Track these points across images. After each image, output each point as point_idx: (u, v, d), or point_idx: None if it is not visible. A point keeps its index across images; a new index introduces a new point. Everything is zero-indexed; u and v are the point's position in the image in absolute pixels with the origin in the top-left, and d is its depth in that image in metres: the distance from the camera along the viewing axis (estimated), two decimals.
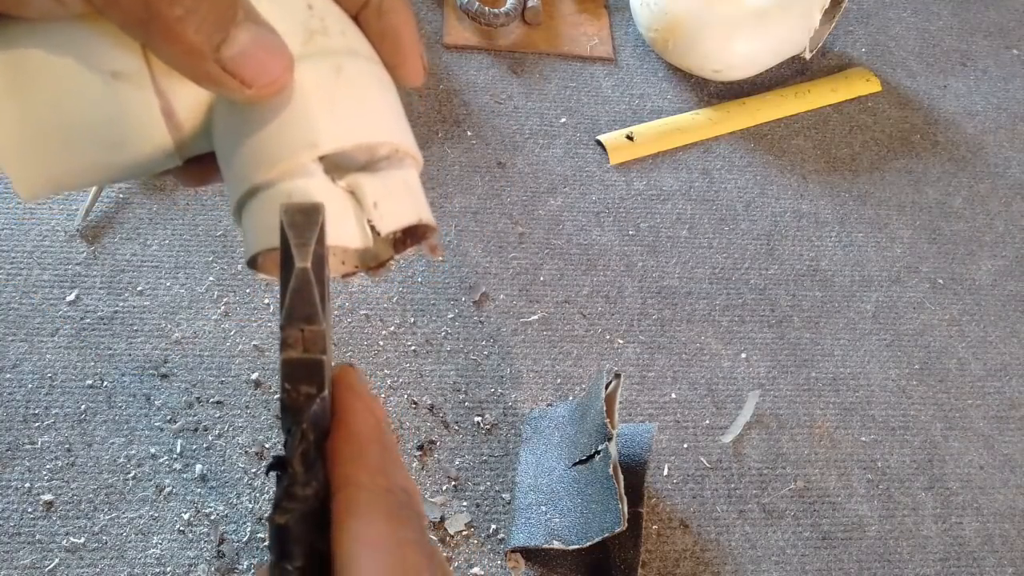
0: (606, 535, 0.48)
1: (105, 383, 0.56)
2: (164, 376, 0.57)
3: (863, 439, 0.63)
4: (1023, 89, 0.87)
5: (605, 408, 0.51)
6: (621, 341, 0.64)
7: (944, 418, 0.65)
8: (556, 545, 0.50)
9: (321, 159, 0.23)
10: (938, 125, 0.83)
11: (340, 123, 0.23)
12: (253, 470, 0.54)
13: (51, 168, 0.24)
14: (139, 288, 0.60)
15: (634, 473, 0.53)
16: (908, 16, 0.92)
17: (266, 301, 0.61)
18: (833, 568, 0.57)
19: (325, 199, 0.23)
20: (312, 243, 0.21)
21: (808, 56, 0.80)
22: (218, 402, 0.56)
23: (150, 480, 0.53)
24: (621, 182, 0.73)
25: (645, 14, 0.78)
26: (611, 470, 0.49)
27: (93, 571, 0.50)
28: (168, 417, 0.55)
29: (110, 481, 0.53)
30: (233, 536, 0.52)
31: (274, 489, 0.22)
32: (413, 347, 0.61)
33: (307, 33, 0.24)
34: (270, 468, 0.22)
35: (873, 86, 0.84)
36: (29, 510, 0.51)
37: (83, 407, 0.55)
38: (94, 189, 0.62)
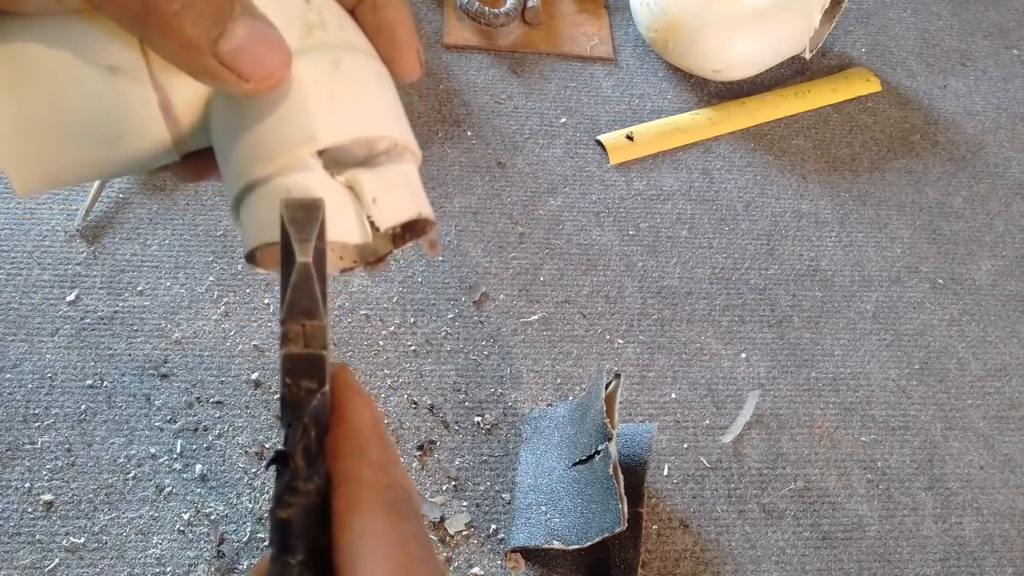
0: (606, 535, 0.48)
1: (105, 383, 0.56)
2: (164, 376, 0.57)
3: (863, 439, 0.63)
4: (1023, 89, 0.87)
5: (605, 408, 0.51)
6: (621, 341, 0.64)
7: (944, 418, 0.65)
8: (556, 545, 0.50)
9: (320, 154, 0.23)
10: (938, 125, 0.83)
11: (338, 117, 0.23)
12: (253, 470, 0.54)
13: (48, 163, 0.24)
14: (139, 288, 0.60)
15: (634, 473, 0.53)
16: (908, 16, 0.92)
17: (266, 301, 0.61)
18: (833, 568, 0.57)
19: (324, 194, 0.23)
20: (313, 238, 0.21)
21: (808, 56, 0.80)
22: (218, 402, 0.56)
23: (150, 480, 0.53)
24: (621, 182, 0.73)
25: (645, 14, 0.78)
26: (611, 470, 0.49)
27: (93, 571, 0.50)
28: (168, 417, 0.55)
29: (110, 481, 0.53)
30: (233, 536, 0.52)
31: (274, 485, 0.22)
32: (413, 347, 0.61)
33: (305, 27, 0.24)
34: (271, 463, 0.22)
35: (873, 86, 0.84)
36: (29, 510, 0.51)
37: (83, 407, 0.55)
38: (94, 189, 0.62)
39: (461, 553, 0.54)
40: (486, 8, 0.78)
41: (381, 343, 0.61)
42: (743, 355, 0.65)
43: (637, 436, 0.54)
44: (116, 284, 0.60)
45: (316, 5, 0.24)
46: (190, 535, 0.52)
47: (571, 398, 0.60)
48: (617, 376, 0.53)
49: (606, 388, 0.52)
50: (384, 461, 0.22)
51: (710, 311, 0.67)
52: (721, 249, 0.70)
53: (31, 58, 0.22)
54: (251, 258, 0.24)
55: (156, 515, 0.52)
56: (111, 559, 0.50)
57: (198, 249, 0.62)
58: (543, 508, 0.53)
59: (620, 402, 0.57)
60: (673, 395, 0.62)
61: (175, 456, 0.54)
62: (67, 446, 0.53)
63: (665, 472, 0.59)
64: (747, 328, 0.66)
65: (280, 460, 0.21)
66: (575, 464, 0.53)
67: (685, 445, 0.60)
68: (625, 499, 0.49)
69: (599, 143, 0.74)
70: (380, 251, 0.27)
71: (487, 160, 0.71)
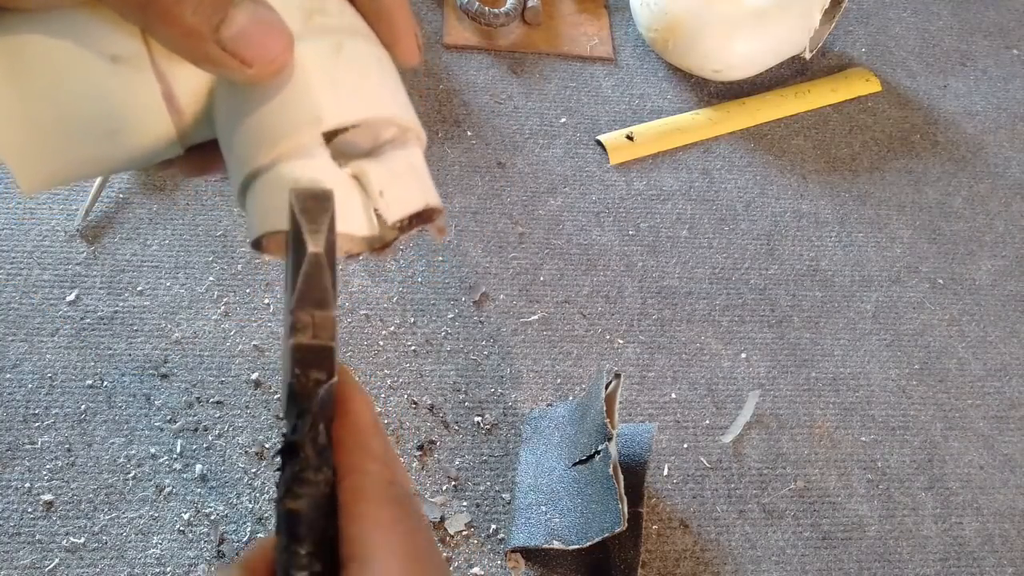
0: (606, 535, 0.48)
1: (105, 383, 0.56)
2: (164, 376, 0.57)
3: (863, 439, 0.63)
4: (1023, 89, 0.87)
5: (605, 408, 0.51)
6: (621, 341, 0.64)
7: (944, 418, 0.65)
8: (556, 545, 0.50)
9: (327, 145, 0.23)
10: (938, 125, 0.83)
11: (343, 99, 0.23)
12: (253, 470, 0.54)
13: (53, 158, 0.24)
14: (139, 288, 0.60)
15: (634, 473, 0.53)
16: (908, 16, 0.92)
17: (266, 301, 0.61)
18: (833, 568, 0.57)
19: (332, 182, 0.23)
20: (325, 229, 0.21)
21: (808, 56, 0.80)
22: (218, 402, 0.56)
23: (150, 480, 0.53)
24: (621, 182, 0.73)
25: (645, 14, 0.78)
26: (611, 470, 0.49)
27: (93, 571, 0.50)
28: (168, 417, 0.55)
29: (110, 481, 0.53)
30: (233, 536, 0.52)
31: (279, 475, 0.22)
32: (413, 347, 0.61)
33: (306, 12, 0.24)
34: (279, 453, 0.22)
35: (873, 86, 0.84)
36: (29, 510, 0.51)
37: (83, 407, 0.55)
38: (94, 189, 0.62)
39: (461, 553, 0.54)
40: (486, 8, 0.78)
41: (381, 343, 0.61)
42: (743, 355, 0.65)
43: (637, 436, 0.54)
44: (116, 284, 0.60)
45: None
46: (190, 535, 0.52)
47: (571, 398, 0.60)
48: (617, 376, 0.53)
49: (606, 388, 0.52)
50: (386, 456, 0.23)
51: (710, 311, 0.67)
52: (721, 249, 0.70)
53: (33, 51, 0.22)
54: (257, 245, 0.24)
55: (156, 515, 0.52)
56: (111, 559, 0.50)
57: (198, 249, 0.62)
58: (543, 508, 0.53)
59: (620, 402, 0.57)
60: (673, 395, 0.62)
61: (175, 456, 0.54)
62: (67, 446, 0.53)
63: (665, 472, 0.59)
64: (747, 328, 0.66)
65: (290, 450, 0.21)
66: (575, 464, 0.53)
67: (685, 445, 0.60)
68: (625, 499, 0.49)
69: (599, 143, 0.74)
70: (386, 237, 0.27)
71: (487, 160, 0.71)
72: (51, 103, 0.23)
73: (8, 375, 0.55)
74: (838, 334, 0.67)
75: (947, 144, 0.81)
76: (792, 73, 0.84)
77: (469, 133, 0.73)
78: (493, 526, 0.55)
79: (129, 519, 0.52)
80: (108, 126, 0.23)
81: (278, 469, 0.22)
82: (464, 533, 0.54)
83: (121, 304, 0.59)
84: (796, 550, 0.57)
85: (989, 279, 0.73)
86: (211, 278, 0.61)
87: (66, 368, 0.56)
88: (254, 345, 0.59)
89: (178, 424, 0.55)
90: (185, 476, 0.53)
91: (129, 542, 0.51)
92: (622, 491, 0.49)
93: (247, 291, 0.61)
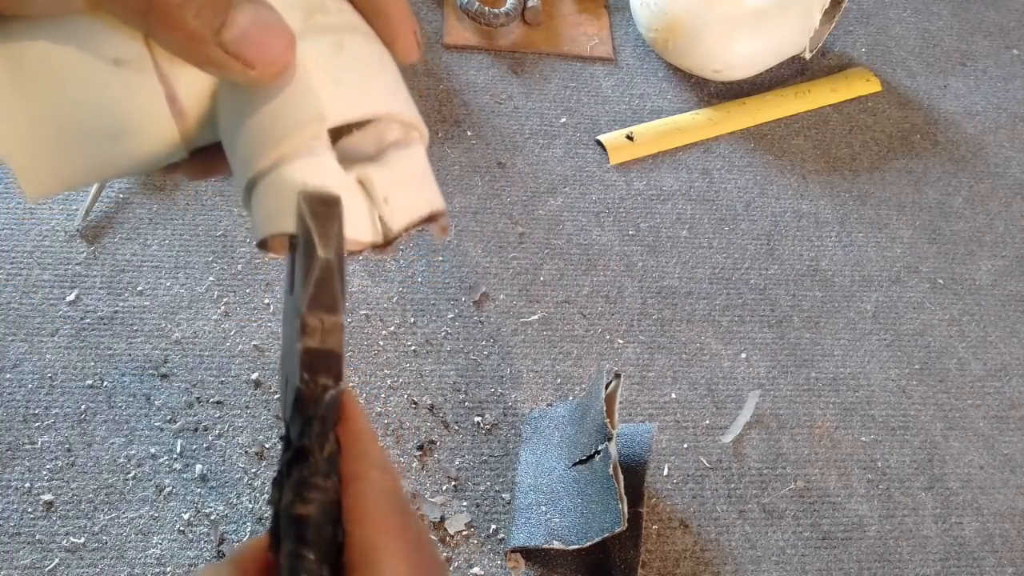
0: (606, 535, 0.48)
1: (105, 383, 0.56)
2: (164, 376, 0.57)
3: (863, 439, 0.63)
4: (1023, 89, 0.87)
5: (605, 408, 0.51)
6: (621, 341, 0.64)
7: (944, 418, 0.65)
8: (556, 545, 0.50)
9: (332, 145, 0.23)
10: (938, 125, 0.83)
11: (345, 96, 0.23)
12: (253, 470, 0.54)
13: (57, 163, 0.24)
14: (139, 288, 0.60)
15: (634, 473, 0.53)
16: (908, 16, 0.92)
17: (266, 301, 0.61)
18: (833, 568, 0.57)
19: (337, 186, 0.23)
20: (334, 234, 0.21)
21: (808, 56, 0.80)
22: (218, 402, 0.56)
23: (150, 480, 0.53)
24: (621, 182, 0.73)
25: (645, 14, 0.78)
26: (611, 470, 0.49)
27: (93, 571, 0.50)
28: (168, 417, 0.55)
29: (110, 481, 0.53)
30: (233, 536, 0.52)
31: (275, 477, 0.22)
32: (413, 347, 0.61)
33: (306, 11, 0.24)
34: (288, 458, 0.22)
35: (873, 86, 0.84)
36: (29, 510, 0.51)
37: (83, 407, 0.55)
38: (94, 189, 0.62)
39: (461, 553, 0.54)
40: (486, 8, 0.78)
41: (381, 343, 0.61)
42: (743, 355, 0.65)
43: (637, 436, 0.54)
44: (116, 284, 0.60)
45: None
46: (190, 535, 0.52)
47: (571, 398, 0.60)
48: (617, 376, 0.53)
49: (606, 388, 0.52)
50: (385, 463, 0.23)
51: (710, 311, 0.67)
52: (721, 249, 0.70)
53: (36, 58, 0.22)
54: (263, 245, 0.24)
55: (156, 515, 0.52)
56: (111, 559, 0.50)
57: (198, 249, 0.62)
58: (543, 508, 0.53)
59: (620, 402, 0.57)
60: (673, 395, 0.62)
61: (175, 456, 0.54)
62: (67, 446, 0.53)
63: (665, 472, 0.59)
64: (747, 328, 0.66)
65: (298, 455, 0.21)
66: (575, 464, 0.53)
67: (685, 445, 0.60)
68: (625, 499, 0.49)
69: (599, 143, 0.74)
70: (388, 236, 0.27)
71: (487, 160, 0.71)
72: (55, 109, 0.23)
73: (8, 375, 0.55)
74: (838, 334, 0.67)
75: (947, 144, 0.81)
76: (792, 73, 0.84)
77: (469, 133, 0.73)
78: (493, 526, 0.55)
79: (129, 519, 0.52)
80: (112, 130, 0.23)
81: (279, 472, 0.22)
82: (464, 533, 0.54)
83: (121, 304, 0.59)
84: (796, 550, 0.57)
85: (989, 279, 0.73)
86: (211, 278, 0.61)
87: (66, 368, 0.56)
88: (254, 345, 0.59)
89: (178, 424, 0.55)
90: (185, 476, 0.53)
91: (129, 542, 0.51)
92: (622, 491, 0.49)
93: (247, 291, 0.61)
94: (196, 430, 0.55)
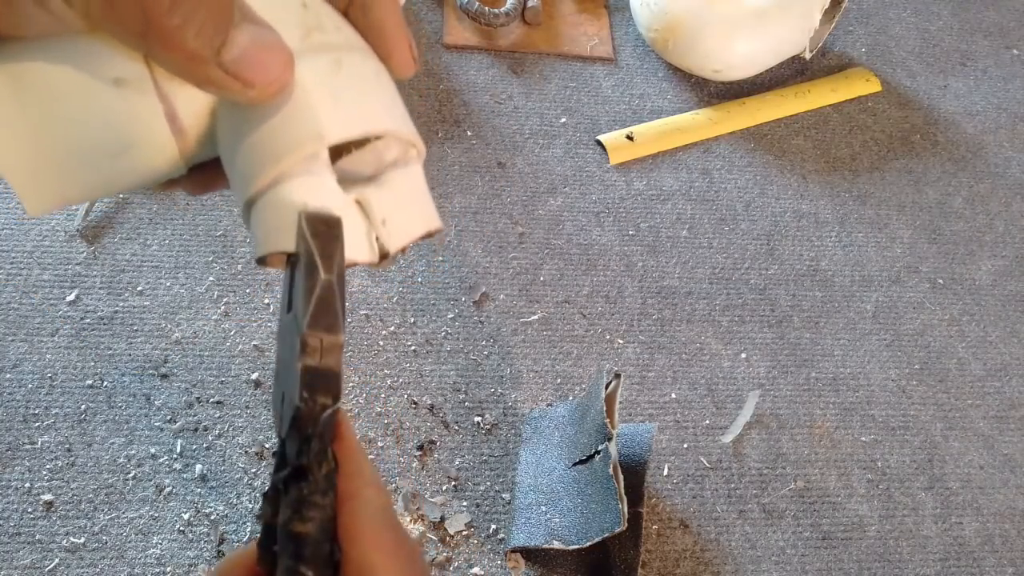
0: (606, 535, 0.48)
1: (105, 383, 0.56)
2: (164, 376, 0.57)
3: (863, 439, 0.63)
4: (1023, 89, 0.87)
5: (605, 408, 0.51)
6: (621, 341, 0.64)
7: (944, 418, 0.65)
8: (556, 545, 0.50)
9: (332, 167, 0.24)
10: (938, 125, 0.83)
11: (344, 113, 0.23)
12: (253, 470, 0.54)
13: (57, 181, 0.24)
14: (139, 288, 0.60)
15: (634, 473, 0.53)
16: (908, 16, 0.92)
17: (266, 301, 0.61)
18: (833, 568, 0.57)
19: (336, 207, 0.23)
20: (337, 256, 0.22)
21: (808, 56, 0.80)
22: (218, 402, 0.56)
23: (150, 480, 0.53)
24: (621, 182, 0.73)
25: (645, 14, 0.78)
26: (611, 470, 0.49)
27: (93, 571, 0.50)
28: (168, 417, 0.55)
29: (110, 481, 0.53)
30: (233, 536, 0.52)
31: (267, 490, 0.23)
32: (413, 347, 0.61)
33: (304, 30, 0.24)
34: (287, 476, 0.22)
35: (873, 86, 0.84)
36: (29, 510, 0.51)
37: (83, 407, 0.55)
38: None
39: (461, 553, 0.54)
40: (486, 8, 0.78)
41: (381, 343, 0.61)
42: (743, 355, 0.65)
43: (637, 436, 0.54)
44: (116, 284, 0.60)
45: (313, 8, 0.24)
46: (190, 535, 0.52)
47: (571, 398, 0.60)
48: (617, 376, 0.53)
49: (606, 388, 0.52)
50: (379, 482, 0.23)
51: (710, 311, 0.67)
52: (721, 249, 0.70)
53: (36, 77, 0.23)
54: (262, 261, 0.24)
55: (156, 515, 0.52)
56: (111, 559, 0.50)
57: (198, 249, 0.62)
58: (543, 508, 0.53)
59: (620, 402, 0.57)
60: (673, 395, 0.62)
61: (175, 456, 0.54)
62: (67, 446, 0.53)
63: (665, 472, 0.59)
64: (747, 328, 0.66)
65: (297, 473, 0.22)
66: (575, 464, 0.53)
67: (685, 445, 0.60)
68: (625, 499, 0.49)
69: (599, 143, 0.74)
70: (385, 255, 0.27)
71: (487, 160, 0.71)
72: (55, 128, 0.23)
73: (8, 375, 0.55)
74: (838, 334, 0.67)
75: (947, 144, 0.81)
76: (792, 73, 0.84)
77: (469, 133, 0.73)
78: (493, 526, 0.55)
79: (129, 519, 0.52)
80: (112, 148, 0.24)
81: (272, 487, 0.22)
82: (464, 533, 0.54)
83: (121, 304, 0.59)
84: (796, 550, 0.57)
85: (989, 279, 0.73)
86: (211, 278, 0.61)
87: (66, 368, 0.56)
88: (254, 345, 0.59)
89: (178, 424, 0.55)
90: (185, 476, 0.53)
91: (129, 542, 0.51)
92: (622, 491, 0.49)
93: (247, 291, 0.61)
94: (196, 430, 0.55)
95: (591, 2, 0.84)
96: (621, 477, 0.49)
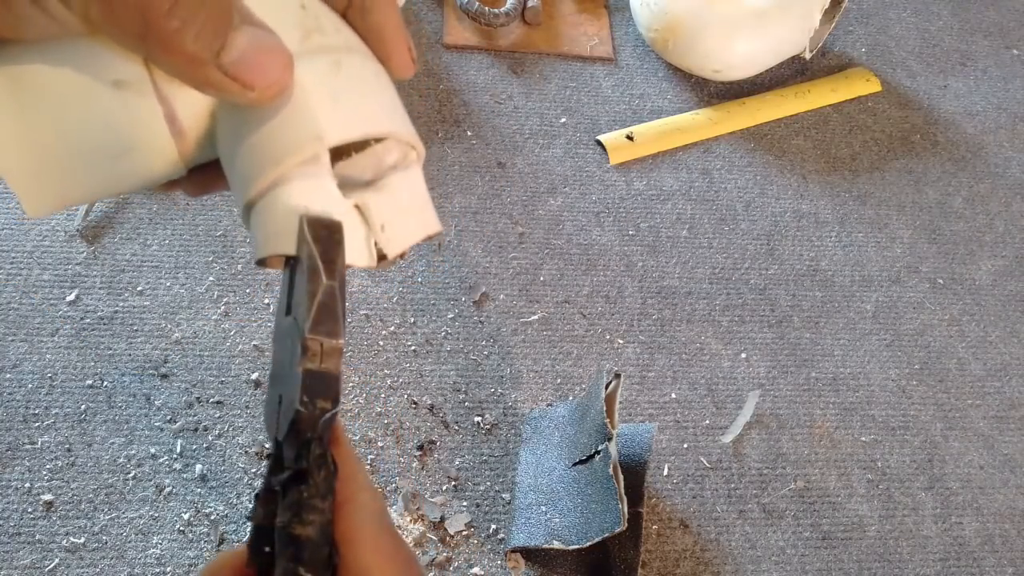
0: (606, 535, 0.48)
1: (105, 383, 0.56)
2: (164, 376, 0.57)
3: (863, 439, 0.63)
4: (1023, 89, 0.87)
5: (605, 408, 0.51)
6: (621, 341, 0.64)
7: (944, 418, 0.65)
8: (556, 545, 0.50)
9: (332, 169, 0.24)
10: (938, 125, 0.83)
11: (344, 115, 0.23)
12: (253, 470, 0.54)
13: (58, 183, 0.24)
14: (139, 288, 0.60)
15: (634, 473, 0.53)
16: (908, 16, 0.92)
17: (266, 301, 0.61)
18: (833, 568, 0.57)
19: (336, 207, 0.23)
20: (339, 261, 0.22)
21: (808, 56, 0.80)
22: (218, 402, 0.56)
23: (150, 480, 0.53)
24: (621, 182, 0.73)
25: (645, 14, 0.78)
26: (611, 470, 0.49)
27: (93, 571, 0.50)
28: (168, 417, 0.55)
29: (110, 481, 0.53)
30: (233, 536, 0.52)
31: (260, 491, 0.23)
32: (413, 347, 0.61)
33: (303, 32, 0.24)
34: (286, 479, 0.22)
35: (873, 86, 0.84)
36: (29, 510, 0.51)
37: (83, 407, 0.55)
38: None
39: (461, 553, 0.54)
40: (486, 8, 0.78)
41: (381, 343, 0.61)
42: (743, 355, 0.65)
43: (637, 436, 0.54)
44: (116, 284, 0.60)
45: (312, 10, 0.24)
46: (190, 535, 0.52)
47: (571, 398, 0.60)
48: (617, 376, 0.53)
49: (606, 388, 0.52)
50: (373, 487, 0.24)
51: (710, 311, 0.67)
52: (721, 249, 0.70)
53: (36, 80, 0.23)
54: (262, 262, 0.24)
55: (156, 515, 0.52)
56: (111, 559, 0.50)
57: (198, 249, 0.62)
58: (543, 508, 0.53)
59: (620, 402, 0.57)
60: (673, 395, 0.62)
61: (175, 456, 0.54)
62: (67, 446, 0.53)
63: (665, 472, 0.59)
64: (747, 328, 0.66)
65: (298, 477, 0.22)
66: (575, 464, 0.53)
67: (685, 445, 0.60)
68: (625, 499, 0.49)
69: (599, 143, 0.74)
70: (384, 259, 0.27)
71: (487, 160, 0.71)
72: (55, 130, 0.23)
73: (8, 375, 0.55)
74: (838, 334, 0.67)
75: (947, 144, 0.81)
76: (792, 73, 0.84)
77: (469, 133, 0.73)
78: (493, 526, 0.55)
79: (129, 519, 0.52)
80: (112, 150, 0.24)
81: (267, 489, 0.23)
82: (464, 533, 0.54)
83: (121, 304, 0.59)
84: (796, 550, 0.57)
85: (989, 279, 0.73)
86: (211, 278, 0.61)
87: (66, 368, 0.56)
88: (254, 345, 0.59)
89: (178, 424, 0.55)
90: (185, 476, 0.53)
91: (129, 542, 0.51)
92: (622, 491, 0.49)
93: (247, 291, 0.61)
94: (196, 430, 0.55)
95: (591, 2, 0.84)
96: (621, 477, 0.49)
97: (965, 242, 0.75)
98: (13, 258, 0.60)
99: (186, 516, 0.52)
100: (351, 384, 0.59)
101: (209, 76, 0.22)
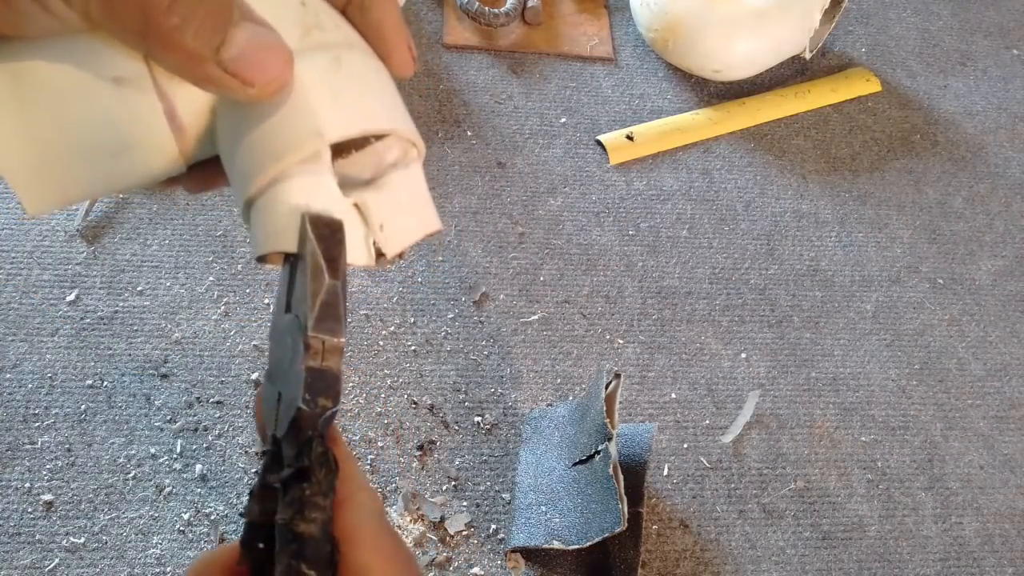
0: (606, 535, 0.48)
1: (105, 383, 0.56)
2: (164, 376, 0.57)
3: (863, 439, 0.63)
4: (1023, 89, 0.87)
5: (605, 408, 0.51)
6: (621, 341, 0.64)
7: (944, 418, 0.65)
8: (556, 545, 0.50)
9: (332, 167, 0.24)
10: (938, 125, 0.83)
11: (344, 112, 0.23)
12: (253, 470, 0.54)
13: (58, 180, 0.24)
14: (139, 288, 0.60)
15: (634, 473, 0.53)
16: (908, 16, 0.92)
17: (266, 301, 0.61)
18: (833, 568, 0.57)
19: (335, 206, 0.23)
20: (340, 259, 0.22)
21: (808, 56, 0.80)
22: (218, 402, 0.56)
23: (150, 480, 0.53)
24: (621, 182, 0.73)
25: (645, 14, 0.78)
26: (611, 470, 0.49)
27: (93, 571, 0.50)
28: (168, 417, 0.55)
29: (110, 481, 0.53)
30: (233, 536, 0.52)
31: (256, 488, 0.23)
32: (413, 347, 0.61)
33: (303, 29, 0.24)
34: (289, 478, 0.22)
35: (873, 86, 0.84)
36: (29, 510, 0.51)
37: (83, 407, 0.55)
38: None
39: (461, 553, 0.54)
40: (486, 8, 0.78)
41: (381, 343, 0.61)
42: (743, 355, 0.65)
43: (637, 436, 0.54)
44: (116, 284, 0.60)
45: (312, 7, 0.24)
46: (190, 535, 0.52)
47: (571, 398, 0.60)
48: (617, 376, 0.53)
49: (606, 388, 0.52)
50: (370, 487, 0.24)
51: (710, 311, 0.67)
52: (721, 249, 0.70)
53: (36, 76, 0.23)
54: (262, 259, 0.24)
55: (156, 515, 0.52)
56: (111, 559, 0.50)
57: (198, 249, 0.62)
58: (543, 508, 0.53)
59: (620, 402, 0.57)
60: (673, 395, 0.62)
61: (175, 456, 0.54)
62: (67, 446, 0.53)
63: (665, 472, 0.59)
64: (747, 328, 0.66)
65: (300, 474, 0.22)
66: (575, 464, 0.53)
67: (685, 445, 0.60)
68: (625, 499, 0.49)
69: (599, 143, 0.74)
70: (382, 258, 0.27)
71: (487, 160, 0.71)
72: (55, 127, 0.23)
73: (8, 375, 0.55)
74: (838, 334, 0.67)
75: (947, 144, 0.81)
76: (792, 73, 0.84)
77: (469, 133, 0.73)
78: (493, 526, 0.55)
79: (129, 519, 0.52)
80: (112, 147, 0.24)
81: (262, 485, 0.22)
82: (464, 533, 0.54)
83: (121, 304, 0.59)
84: (796, 550, 0.57)
85: (989, 279, 0.73)
86: (211, 278, 0.61)
87: (66, 368, 0.56)
88: (254, 345, 0.59)
89: (178, 424, 0.55)
90: (185, 476, 0.53)
91: (129, 542, 0.51)
92: (622, 491, 0.49)
93: (247, 291, 0.61)
94: (196, 430, 0.55)
95: (591, 2, 0.84)
96: (621, 477, 0.49)
97: (965, 242, 0.75)
98: (13, 258, 0.60)
99: (186, 516, 0.52)
100: (351, 384, 0.59)
101: (209, 72, 0.22)
